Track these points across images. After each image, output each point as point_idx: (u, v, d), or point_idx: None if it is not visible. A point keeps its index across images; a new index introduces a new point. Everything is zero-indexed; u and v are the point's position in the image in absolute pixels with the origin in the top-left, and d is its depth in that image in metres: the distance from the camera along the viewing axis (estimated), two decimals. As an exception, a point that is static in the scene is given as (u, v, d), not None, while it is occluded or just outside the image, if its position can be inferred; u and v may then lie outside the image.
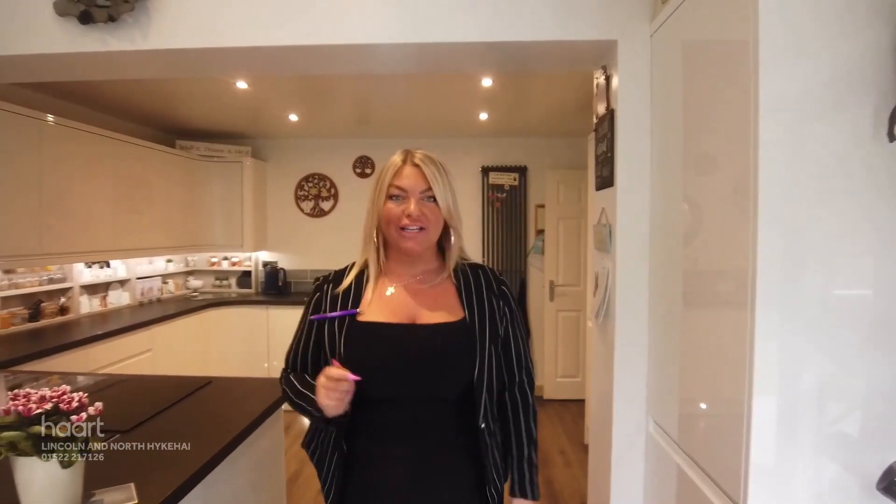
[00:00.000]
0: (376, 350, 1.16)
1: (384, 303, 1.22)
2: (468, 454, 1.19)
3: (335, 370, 1.08)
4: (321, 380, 1.09)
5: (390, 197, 1.19)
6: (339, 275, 1.30)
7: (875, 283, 1.15)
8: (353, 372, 1.07)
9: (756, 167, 1.14)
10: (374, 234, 1.24)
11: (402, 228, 1.17)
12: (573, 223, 4.87)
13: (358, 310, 1.20)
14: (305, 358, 1.27)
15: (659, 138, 1.82)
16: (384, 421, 1.17)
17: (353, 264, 1.30)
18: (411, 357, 1.15)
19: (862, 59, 1.10)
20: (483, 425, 1.18)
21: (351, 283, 1.25)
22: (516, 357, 1.28)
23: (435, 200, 1.19)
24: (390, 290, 1.24)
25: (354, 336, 1.18)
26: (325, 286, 1.27)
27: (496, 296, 1.26)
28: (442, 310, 1.21)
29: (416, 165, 1.19)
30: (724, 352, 1.30)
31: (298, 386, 1.20)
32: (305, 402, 1.16)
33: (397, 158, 1.21)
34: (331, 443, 1.21)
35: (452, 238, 1.25)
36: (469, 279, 1.26)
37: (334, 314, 1.21)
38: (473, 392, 1.17)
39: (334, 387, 1.07)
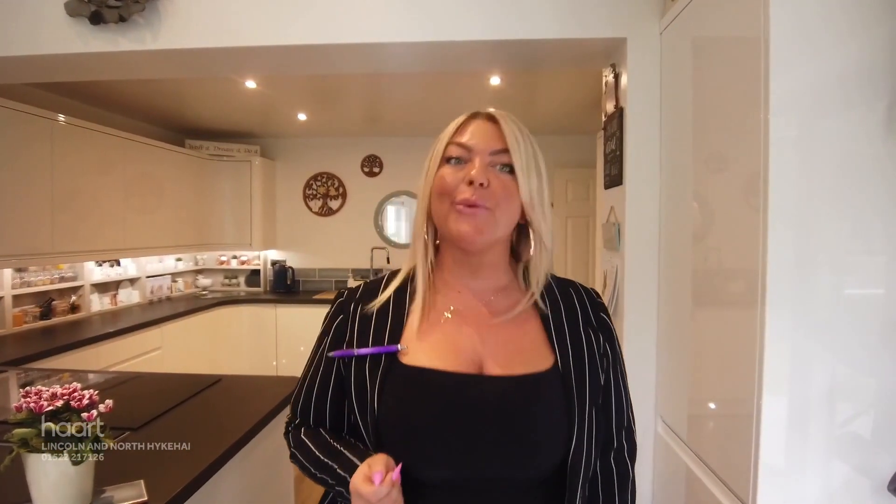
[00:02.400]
0: (427, 412, 0.79)
1: (439, 335, 0.85)
2: None
3: (365, 479, 0.72)
4: (357, 493, 0.72)
5: (447, 160, 0.83)
6: (374, 287, 0.92)
7: (887, 282, 1.13)
8: (392, 451, 0.77)
9: (767, 165, 1.13)
10: (425, 225, 0.87)
11: (458, 204, 0.80)
12: (582, 222, 4.86)
13: (400, 346, 0.83)
14: (322, 407, 0.90)
15: (668, 136, 1.81)
16: None
17: (394, 274, 0.93)
18: (476, 427, 0.78)
19: (874, 55, 1.09)
20: None
21: (389, 300, 0.88)
22: (616, 414, 0.91)
23: (512, 171, 0.81)
24: (447, 315, 0.87)
25: (394, 387, 0.81)
26: (352, 306, 0.90)
27: (595, 329, 0.89)
28: (522, 351, 0.85)
29: (492, 119, 0.84)
30: (734, 351, 1.29)
31: (319, 454, 0.85)
32: (331, 477, 0.82)
33: (466, 114, 0.87)
34: None
35: (534, 243, 0.87)
36: (559, 304, 0.89)
37: (364, 351, 0.84)
38: (567, 471, 0.79)
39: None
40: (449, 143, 0.83)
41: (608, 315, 0.93)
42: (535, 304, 0.88)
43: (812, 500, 1.15)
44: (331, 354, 0.88)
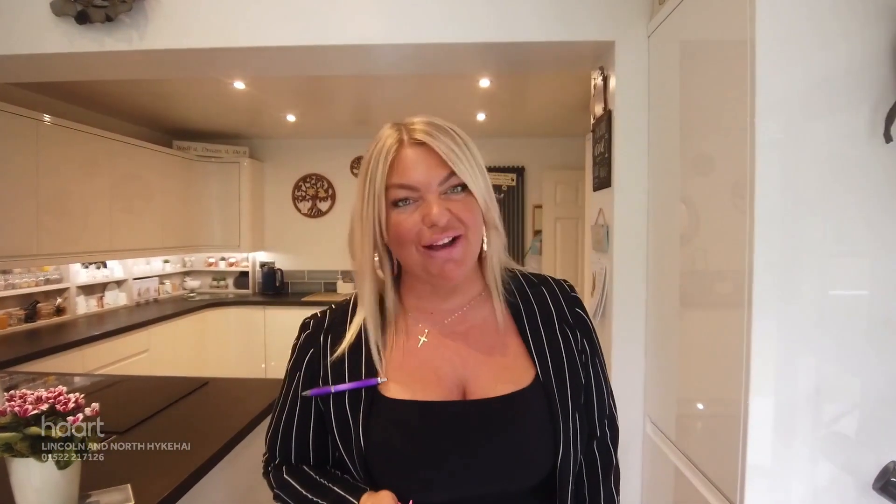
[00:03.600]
0: (415, 444, 0.78)
1: (418, 363, 0.83)
2: None
3: None
4: None
5: (394, 204, 0.78)
6: (340, 314, 0.88)
7: (872, 283, 1.15)
8: (384, 482, 0.78)
9: (753, 168, 1.14)
10: (377, 265, 0.83)
11: (429, 248, 0.77)
12: (571, 224, 4.88)
13: (380, 379, 0.81)
14: (304, 445, 0.88)
15: (656, 139, 1.82)
16: None
17: (355, 299, 0.88)
18: (469, 452, 0.77)
19: (859, 59, 1.11)
20: None
21: (360, 333, 0.84)
22: (598, 406, 0.91)
23: (465, 189, 0.78)
24: (422, 340, 0.85)
25: (379, 422, 0.79)
26: (321, 337, 0.86)
27: (571, 326, 0.88)
28: (504, 368, 0.83)
29: (420, 143, 0.78)
30: (721, 352, 1.30)
31: (307, 494, 0.82)
32: None
33: (389, 138, 0.79)
34: None
35: (488, 241, 0.84)
36: (532, 307, 0.88)
37: (342, 387, 0.81)
38: (558, 475, 0.80)
39: None
40: (388, 186, 0.77)
41: (583, 308, 0.91)
42: (508, 309, 0.87)
43: (798, 499, 1.17)
44: (307, 394, 0.85)
